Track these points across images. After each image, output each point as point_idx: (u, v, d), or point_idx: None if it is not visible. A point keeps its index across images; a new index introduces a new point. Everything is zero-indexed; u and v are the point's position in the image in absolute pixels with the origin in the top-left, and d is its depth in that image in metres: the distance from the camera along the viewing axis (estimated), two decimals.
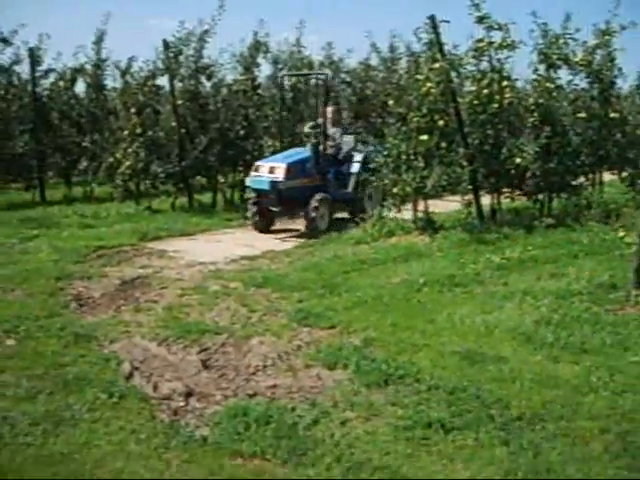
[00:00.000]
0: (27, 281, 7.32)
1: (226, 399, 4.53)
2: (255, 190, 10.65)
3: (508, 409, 4.20)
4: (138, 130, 12.60)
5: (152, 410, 4.30)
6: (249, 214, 10.89)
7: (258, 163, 10.83)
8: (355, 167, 11.37)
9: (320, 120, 11.34)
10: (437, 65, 9.74)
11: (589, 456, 3.70)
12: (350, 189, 11.26)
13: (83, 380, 4.66)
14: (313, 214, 10.35)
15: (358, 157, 11.44)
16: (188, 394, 4.59)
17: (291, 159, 10.70)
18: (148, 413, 4.24)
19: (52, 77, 15.43)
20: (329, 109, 11.56)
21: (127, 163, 12.56)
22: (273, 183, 10.30)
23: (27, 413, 4.14)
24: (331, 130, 11.39)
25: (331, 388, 4.64)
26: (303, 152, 11.16)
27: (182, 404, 4.46)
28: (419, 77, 9.89)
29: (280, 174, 10.34)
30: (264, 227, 10.83)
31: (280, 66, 15.38)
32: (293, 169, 10.52)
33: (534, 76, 10.73)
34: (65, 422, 4.05)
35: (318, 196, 10.48)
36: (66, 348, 5.33)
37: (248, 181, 10.91)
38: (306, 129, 11.60)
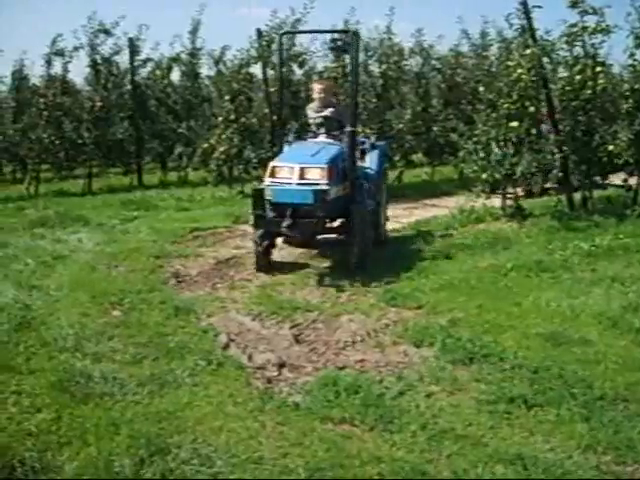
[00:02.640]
0: (129, 258, 7.79)
1: (317, 370, 4.77)
2: (282, 205, 7.04)
3: (591, 389, 4.27)
4: (232, 117, 13.03)
5: (248, 378, 4.58)
6: (256, 239, 7.28)
7: (277, 164, 7.18)
8: (374, 168, 8.27)
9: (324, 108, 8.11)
10: (529, 51, 9.68)
11: None
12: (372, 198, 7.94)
13: (184, 348, 5.00)
14: (365, 236, 7.29)
15: (374, 154, 8.42)
16: (281, 365, 4.86)
17: (326, 157, 7.23)
18: (244, 380, 4.52)
19: (149, 66, 16.10)
20: (317, 86, 8.39)
21: (221, 149, 13.01)
22: (317, 192, 6.89)
23: (134, 375, 4.50)
24: (324, 113, 8.04)
25: (417, 364, 4.82)
26: (327, 147, 7.58)
27: (275, 374, 4.72)
28: (510, 63, 9.86)
29: (322, 178, 6.95)
30: (267, 262, 7.47)
31: (370, 53, 15.49)
32: (334, 171, 7.15)
33: (630, 61, 10.52)
34: (169, 384, 4.38)
35: (363, 208, 7.44)
36: (167, 320, 5.70)
37: (270, 192, 7.08)
38: (312, 114, 8.21)
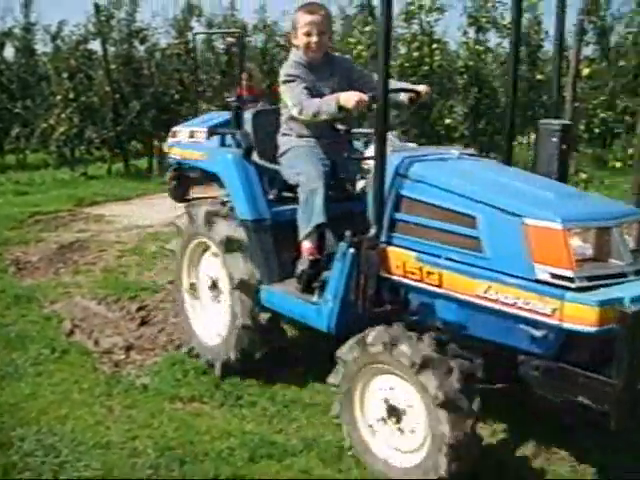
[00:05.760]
0: None
1: (165, 352, 4.73)
2: None
3: None
4: (71, 95, 12.50)
5: (94, 363, 4.48)
6: None
7: (566, 226, 2.79)
8: None
9: None
10: (368, 28, 9.94)
11: None
12: None
13: (25, 338, 4.81)
14: None
15: None
16: (128, 348, 4.78)
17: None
18: (90, 366, 4.42)
19: None
20: (308, 17, 3.95)
21: (61, 129, 12.47)
22: None
23: None
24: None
25: None
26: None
27: (123, 357, 4.65)
28: (351, 40, 10.09)
29: None
30: None
31: (214, 29, 15.34)
32: None
33: (464, 39, 11.03)
34: (10, 376, 4.22)
35: None
36: (7, 309, 5.46)
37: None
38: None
